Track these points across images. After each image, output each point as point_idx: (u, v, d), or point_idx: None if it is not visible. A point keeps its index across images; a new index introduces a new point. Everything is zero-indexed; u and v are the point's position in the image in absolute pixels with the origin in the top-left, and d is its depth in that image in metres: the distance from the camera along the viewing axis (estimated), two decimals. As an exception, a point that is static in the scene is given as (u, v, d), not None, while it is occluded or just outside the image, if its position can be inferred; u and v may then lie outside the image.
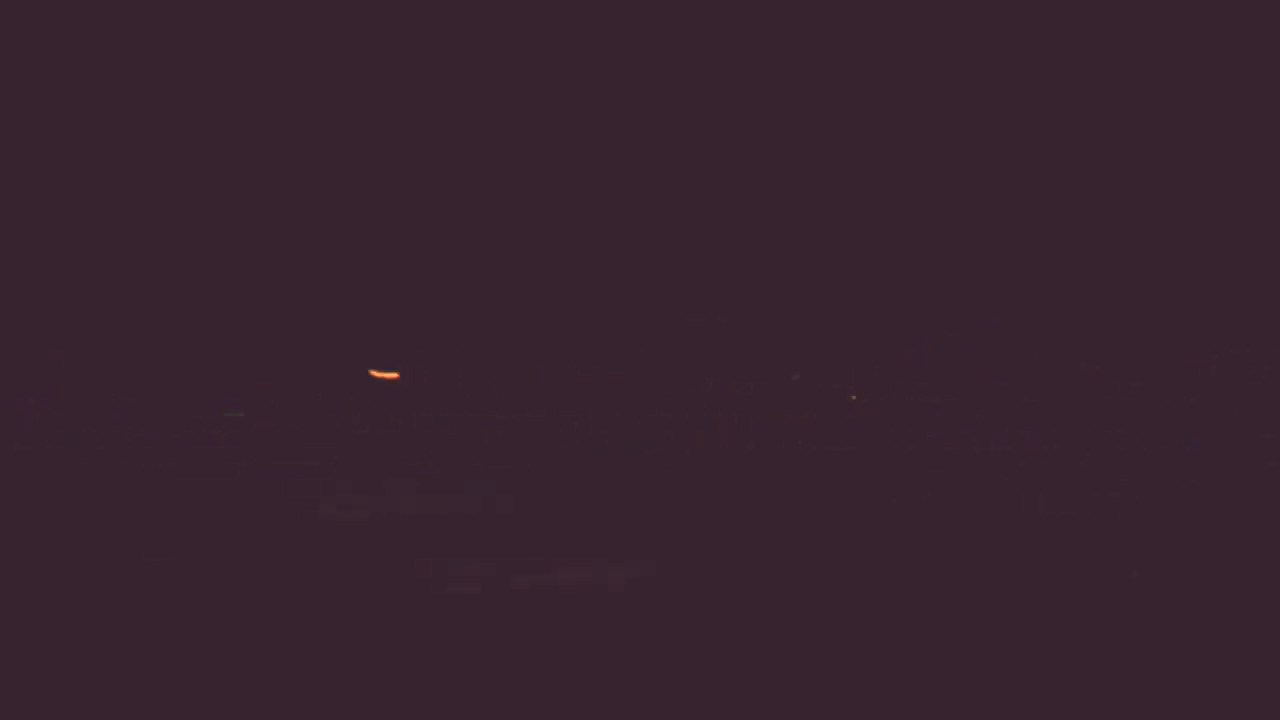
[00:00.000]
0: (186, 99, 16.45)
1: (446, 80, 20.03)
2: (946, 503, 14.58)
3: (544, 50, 20.99)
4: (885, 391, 20.70)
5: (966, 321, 25.27)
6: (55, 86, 15.98)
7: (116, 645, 8.46)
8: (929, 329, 24.41)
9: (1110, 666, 8.06)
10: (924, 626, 9.18)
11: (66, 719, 7.05)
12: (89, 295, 16.33)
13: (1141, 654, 8.36)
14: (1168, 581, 10.58)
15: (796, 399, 20.20)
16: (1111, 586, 10.44)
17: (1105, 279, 27.28)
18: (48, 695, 7.30)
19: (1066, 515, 13.85)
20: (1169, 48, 23.41)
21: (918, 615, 9.55)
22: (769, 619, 9.52)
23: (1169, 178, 25.37)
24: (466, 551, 12.02)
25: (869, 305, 25.68)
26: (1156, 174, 25.74)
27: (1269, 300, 23.14)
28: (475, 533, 13.04)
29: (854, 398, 22.73)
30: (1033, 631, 8.97)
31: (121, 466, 14.28)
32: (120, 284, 16.37)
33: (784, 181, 26.37)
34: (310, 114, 17.68)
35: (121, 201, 16.31)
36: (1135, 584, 10.50)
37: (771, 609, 9.91)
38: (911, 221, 26.62)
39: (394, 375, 18.32)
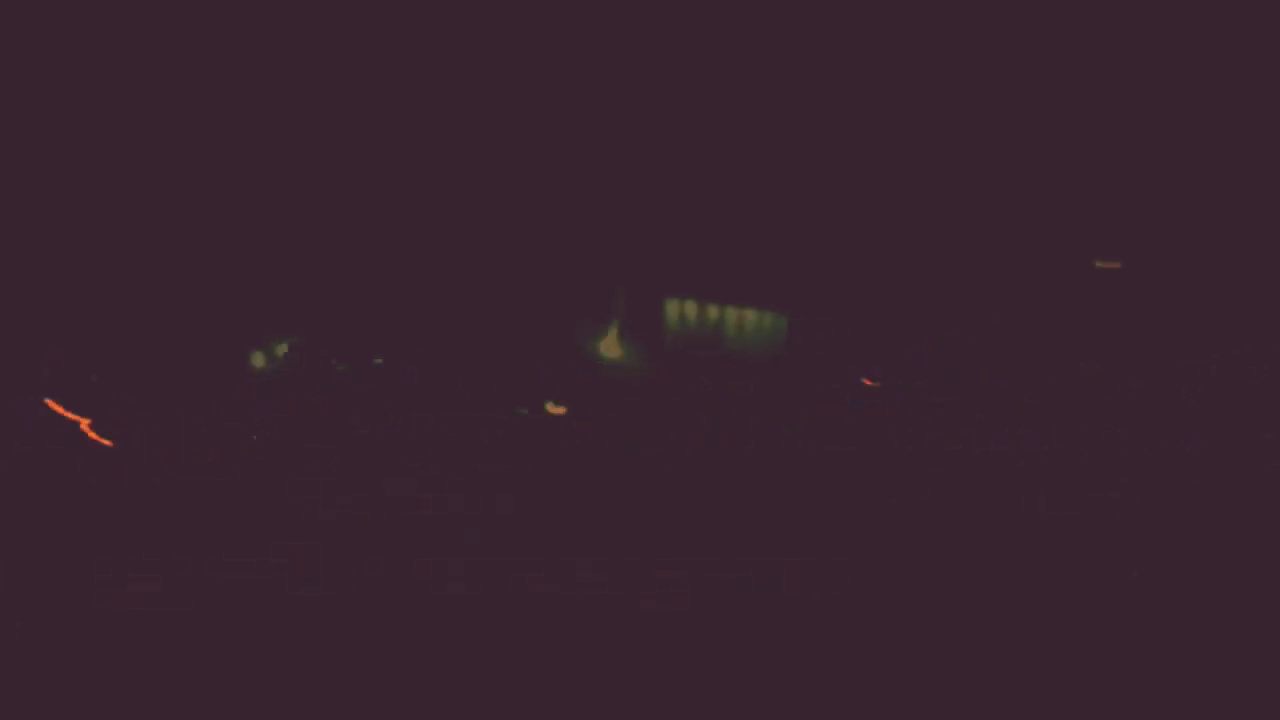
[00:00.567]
0: (188, 99, 16.42)
1: (451, 85, 19.96)
2: (946, 503, 14.56)
3: (550, 55, 20.94)
4: (885, 391, 20.66)
5: (967, 322, 25.19)
6: (55, 88, 15.96)
7: (116, 645, 8.44)
8: (929, 329, 24.34)
9: (1110, 664, 8.04)
10: (924, 625, 9.16)
11: (66, 718, 7.03)
12: (89, 295, 16.31)
13: (1141, 653, 8.34)
14: (1167, 581, 10.56)
15: (797, 400, 20.16)
16: (1111, 586, 10.42)
17: (1105, 280, 27.19)
18: (47, 694, 7.27)
19: (1066, 515, 13.83)
20: (1169, 49, 23.31)
21: (918, 614, 9.52)
22: (769, 619, 9.49)
23: (1169, 179, 25.27)
24: (466, 552, 12.00)
25: (869, 305, 25.58)
26: (1156, 175, 25.64)
27: (1269, 300, 23.07)
28: (475, 533, 13.01)
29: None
30: (1033, 630, 8.94)
31: (122, 466, 14.23)
32: (120, 284, 16.34)
33: (784, 184, 26.27)
34: (315, 118, 17.65)
35: (120, 201, 16.28)
36: (1135, 584, 10.48)
37: (772, 608, 9.88)
38: (912, 222, 26.52)
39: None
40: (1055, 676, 7.82)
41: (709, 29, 21.82)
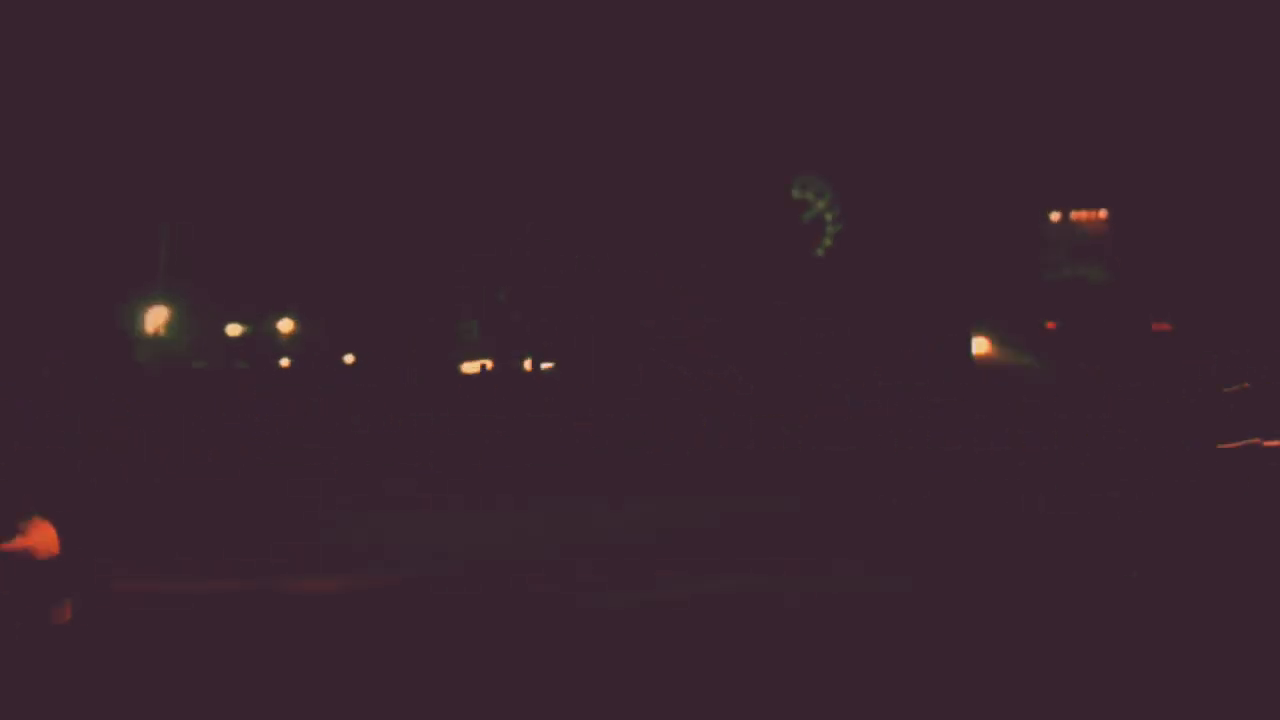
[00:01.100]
0: (188, 100, 16.42)
1: (462, 94, 19.97)
2: (946, 503, 14.55)
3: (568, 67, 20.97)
4: (886, 391, 20.66)
5: (967, 322, 25.15)
6: (55, 91, 15.97)
7: (117, 644, 8.44)
8: (930, 329, 24.33)
9: (1110, 664, 8.04)
10: (925, 624, 9.16)
11: (66, 716, 7.03)
12: (89, 295, 16.30)
13: (1141, 653, 8.34)
14: (1167, 582, 10.56)
15: (797, 400, 20.17)
16: (1111, 586, 10.42)
17: (1105, 281, 27.14)
18: (48, 694, 7.27)
19: (1066, 515, 13.82)
20: (1170, 51, 23.27)
21: (919, 614, 9.53)
22: (769, 617, 9.50)
23: (1169, 181, 25.22)
24: (466, 552, 11.99)
25: (870, 306, 25.57)
26: (1157, 177, 25.59)
27: (1269, 300, 23.05)
28: (474, 532, 13.01)
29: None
30: (1033, 630, 8.94)
31: (121, 466, 14.22)
32: (121, 284, 16.34)
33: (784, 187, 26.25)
34: (328, 124, 17.69)
35: (121, 201, 16.27)
36: (1135, 584, 10.48)
37: (772, 607, 9.88)
38: (912, 223, 26.51)
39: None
40: (1056, 674, 7.82)
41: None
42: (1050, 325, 25.33)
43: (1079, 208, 29.32)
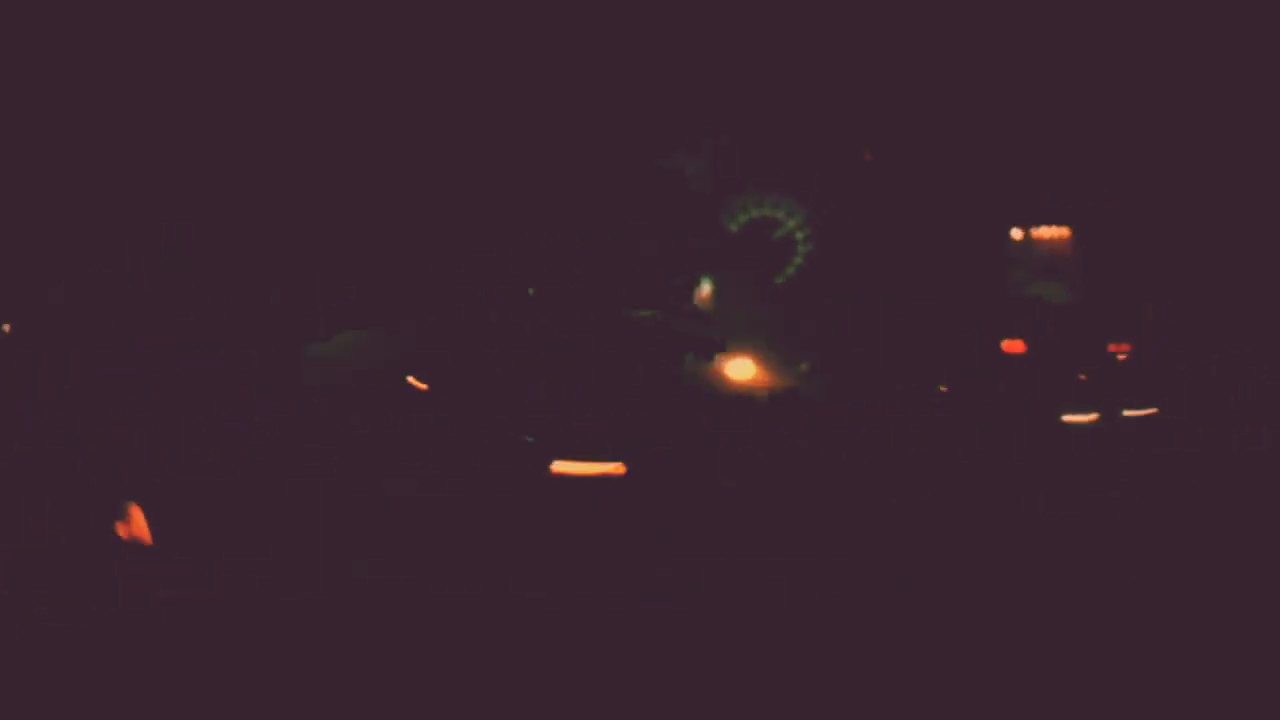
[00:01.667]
0: (188, 100, 16.41)
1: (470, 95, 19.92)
2: (946, 503, 14.56)
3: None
4: (887, 392, 20.67)
5: (968, 322, 25.16)
6: (55, 88, 15.95)
7: (114, 646, 8.44)
8: (930, 330, 24.33)
9: (1110, 664, 8.04)
10: (924, 624, 9.17)
11: (66, 716, 7.03)
12: (88, 295, 16.30)
13: (1141, 652, 8.34)
14: (1167, 581, 10.57)
15: (795, 400, 20.18)
16: (1111, 586, 10.43)
17: (1105, 281, 27.16)
18: (46, 695, 7.27)
19: (1066, 515, 13.83)
20: (1169, 54, 23.30)
21: (918, 613, 9.53)
22: (770, 616, 9.50)
23: (1169, 182, 25.24)
24: (465, 551, 12.00)
25: (869, 307, 25.57)
26: (1157, 179, 25.62)
27: (1269, 300, 23.05)
28: (473, 529, 13.01)
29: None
30: (1033, 630, 8.95)
31: (121, 466, 14.23)
32: (119, 285, 16.34)
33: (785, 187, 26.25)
34: (311, 117, 17.65)
35: (119, 202, 16.27)
36: (1135, 584, 10.49)
37: (773, 606, 9.89)
38: (912, 225, 26.53)
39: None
40: (1056, 674, 7.82)
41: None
42: (1011, 347, 25.04)
43: (1040, 225, 29.15)
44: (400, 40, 18.35)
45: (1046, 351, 25.34)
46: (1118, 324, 26.27)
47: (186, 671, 7.86)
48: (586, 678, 7.82)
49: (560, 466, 15.47)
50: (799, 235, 31.14)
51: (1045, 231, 29.99)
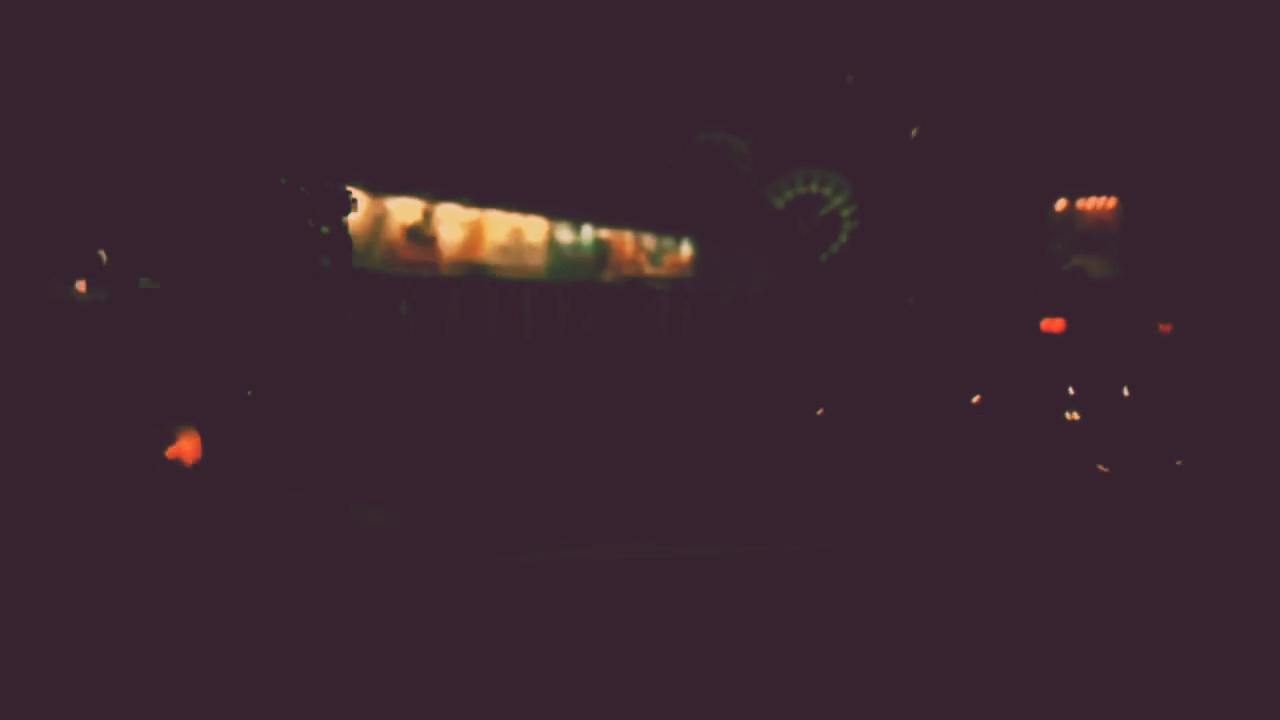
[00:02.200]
0: (188, 100, 16.40)
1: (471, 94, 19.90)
2: (947, 503, 14.54)
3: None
4: (891, 393, 20.66)
5: (968, 323, 25.18)
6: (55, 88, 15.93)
7: (116, 645, 8.44)
8: (930, 330, 24.34)
9: (1110, 665, 8.03)
10: (925, 624, 9.16)
11: (66, 715, 7.04)
12: (88, 294, 16.30)
13: (1141, 653, 8.34)
14: (1167, 582, 10.56)
15: (794, 400, 20.18)
16: (1111, 587, 10.42)
17: (1105, 282, 27.16)
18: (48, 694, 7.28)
19: (1066, 515, 13.82)
20: (1170, 55, 23.31)
21: (919, 613, 9.53)
22: (770, 616, 9.49)
23: (1169, 184, 25.25)
24: (465, 551, 11.98)
25: (870, 307, 25.61)
26: (1157, 180, 25.62)
27: (1269, 300, 23.04)
28: (474, 532, 13.00)
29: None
30: (1033, 630, 8.94)
31: (122, 466, 14.22)
32: (120, 285, 16.33)
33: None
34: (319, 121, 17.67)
35: (119, 201, 16.26)
36: (1135, 583, 10.48)
37: (773, 606, 9.88)
38: (912, 225, 26.55)
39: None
40: (1055, 674, 7.82)
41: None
42: (1050, 326, 24.25)
43: (1085, 195, 28.06)
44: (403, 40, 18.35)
45: (1087, 331, 24.29)
46: (1166, 301, 24.97)
47: (185, 671, 7.86)
48: (586, 678, 7.82)
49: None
50: (845, 212, 30.70)
51: (1090, 202, 28.95)
